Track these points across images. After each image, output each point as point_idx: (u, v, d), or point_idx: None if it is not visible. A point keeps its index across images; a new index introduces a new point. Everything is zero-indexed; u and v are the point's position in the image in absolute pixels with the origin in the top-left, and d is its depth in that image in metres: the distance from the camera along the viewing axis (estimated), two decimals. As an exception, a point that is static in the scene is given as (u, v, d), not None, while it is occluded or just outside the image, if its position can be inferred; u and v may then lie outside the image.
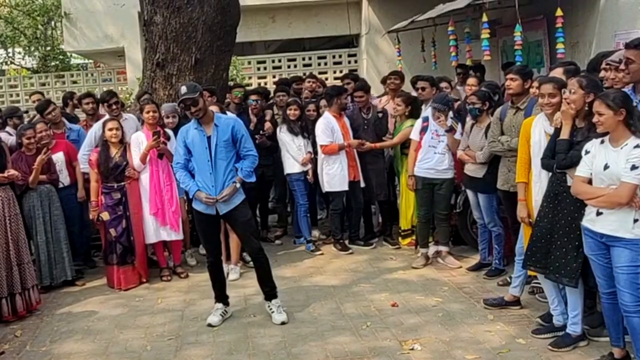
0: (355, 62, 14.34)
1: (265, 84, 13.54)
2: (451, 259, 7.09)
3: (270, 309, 5.76)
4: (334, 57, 14.49)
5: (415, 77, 7.89)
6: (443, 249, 7.13)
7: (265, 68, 14.50)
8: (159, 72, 8.74)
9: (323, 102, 8.12)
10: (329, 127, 7.58)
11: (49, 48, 18.22)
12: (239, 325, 5.70)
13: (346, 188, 7.73)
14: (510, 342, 5.01)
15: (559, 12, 7.99)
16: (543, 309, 5.49)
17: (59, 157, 7.16)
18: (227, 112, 7.41)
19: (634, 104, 4.38)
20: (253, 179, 5.83)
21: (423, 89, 7.52)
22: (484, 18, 8.35)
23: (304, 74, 11.36)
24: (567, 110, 4.61)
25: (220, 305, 5.83)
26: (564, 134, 4.63)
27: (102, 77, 15.52)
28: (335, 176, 7.66)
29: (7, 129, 7.64)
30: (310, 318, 5.76)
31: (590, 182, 4.34)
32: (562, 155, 4.59)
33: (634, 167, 4.02)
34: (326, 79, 13.03)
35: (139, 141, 7.00)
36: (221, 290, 5.89)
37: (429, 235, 7.27)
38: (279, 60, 14.52)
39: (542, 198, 4.90)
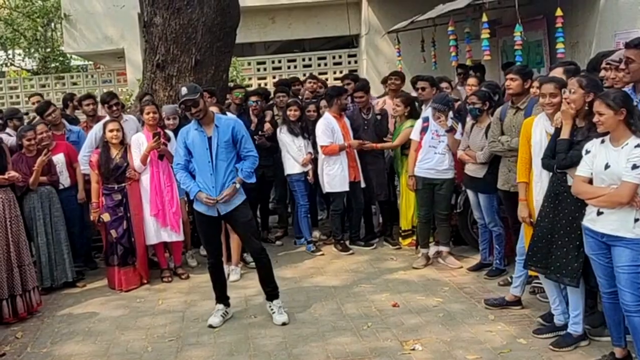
0: (355, 62, 14.34)
1: (265, 84, 13.55)
2: (452, 259, 7.09)
3: (272, 309, 5.76)
4: (334, 57, 14.49)
5: (415, 77, 7.88)
6: (444, 249, 7.13)
7: (265, 69, 14.50)
8: (159, 74, 8.75)
9: (323, 103, 8.13)
10: (329, 127, 7.59)
11: (48, 50, 18.21)
12: (239, 326, 5.69)
13: (347, 188, 7.74)
14: (512, 342, 5.01)
15: (558, 12, 7.99)
16: (544, 308, 5.49)
17: (59, 159, 7.16)
18: (228, 112, 7.41)
19: (635, 103, 4.37)
20: (253, 180, 5.83)
21: (423, 89, 7.52)
22: (484, 18, 8.35)
23: (304, 75, 11.37)
24: (567, 110, 4.61)
25: (221, 306, 5.83)
26: (564, 134, 4.63)
27: (102, 78, 15.50)
28: (335, 177, 7.66)
29: (7, 130, 7.66)
30: (311, 319, 5.76)
31: (590, 181, 4.34)
32: (562, 155, 4.59)
33: (634, 167, 4.01)
34: (326, 79, 13.01)
35: (140, 142, 7.00)
36: (222, 292, 5.89)
37: (430, 235, 7.27)
38: (279, 61, 14.51)
39: (543, 198, 4.90)
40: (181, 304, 6.38)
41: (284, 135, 7.85)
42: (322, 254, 7.81)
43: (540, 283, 5.76)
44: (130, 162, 6.93)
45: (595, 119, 4.24)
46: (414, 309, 5.83)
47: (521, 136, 5.36)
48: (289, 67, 14.36)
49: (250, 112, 8.36)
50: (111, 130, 6.88)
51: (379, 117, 7.94)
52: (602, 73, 5.05)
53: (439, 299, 6.07)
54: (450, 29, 9.56)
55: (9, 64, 20.14)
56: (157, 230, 7.03)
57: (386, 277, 6.82)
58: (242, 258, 7.27)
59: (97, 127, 7.38)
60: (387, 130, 7.95)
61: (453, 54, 9.67)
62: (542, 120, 5.11)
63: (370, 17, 13.57)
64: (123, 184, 6.91)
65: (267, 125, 8.19)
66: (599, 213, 4.26)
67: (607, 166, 4.18)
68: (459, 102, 7.68)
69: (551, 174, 4.79)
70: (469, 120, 6.67)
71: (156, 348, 5.33)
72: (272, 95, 9.34)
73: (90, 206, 7.10)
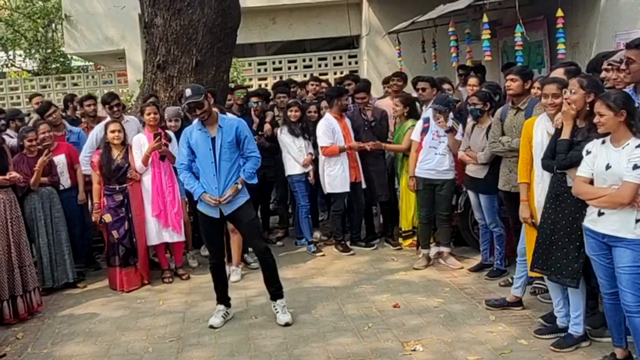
0: (356, 63, 14.34)
1: (266, 85, 13.54)
2: (452, 259, 7.09)
3: (275, 309, 5.75)
4: (334, 58, 14.49)
5: (416, 78, 7.89)
6: (444, 249, 7.13)
7: (265, 69, 14.50)
8: (159, 74, 8.75)
9: (324, 104, 8.13)
10: (329, 128, 7.59)
11: (49, 50, 18.22)
12: (240, 326, 5.69)
13: (347, 189, 7.74)
14: (512, 342, 5.01)
15: (559, 13, 7.99)
16: (545, 309, 5.49)
17: (60, 160, 7.17)
18: (229, 113, 7.41)
19: (636, 104, 4.37)
20: (255, 181, 5.83)
21: (423, 89, 7.52)
22: (485, 19, 8.34)
23: (305, 76, 11.37)
24: (567, 110, 4.60)
25: (221, 306, 5.83)
26: (565, 134, 4.63)
27: (102, 79, 15.52)
28: (336, 177, 7.67)
29: (8, 131, 7.65)
30: (311, 319, 5.76)
31: (591, 182, 4.33)
32: (562, 156, 4.59)
33: (635, 167, 4.01)
34: (327, 80, 13.01)
35: (141, 143, 7.01)
36: (223, 292, 5.89)
37: (431, 236, 7.26)
38: (280, 62, 14.52)
39: (544, 199, 4.89)
40: (182, 304, 6.38)
41: (284, 136, 7.85)
42: (323, 255, 7.81)
43: (540, 284, 5.78)
44: (132, 163, 6.93)
45: (595, 120, 4.24)
46: (414, 310, 5.83)
47: (522, 137, 5.36)
48: (289, 68, 14.37)
49: (252, 113, 8.36)
50: (113, 131, 6.88)
51: (373, 122, 7.90)
52: (603, 74, 5.05)
53: (439, 299, 6.07)
54: (450, 29, 9.55)
55: (9, 65, 20.14)
56: (158, 231, 7.04)
57: (387, 277, 6.82)
58: (242, 259, 7.28)
59: (98, 128, 7.39)
60: (387, 131, 7.95)
61: (453, 54, 9.67)
62: (543, 120, 5.10)
63: (371, 17, 13.57)
64: (124, 185, 6.92)
65: (266, 126, 8.19)
66: (600, 214, 4.26)
67: (608, 166, 4.18)
68: (459, 103, 7.68)
69: (552, 174, 4.79)
70: (470, 121, 6.68)
71: (157, 349, 5.33)
72: (271, 96, 9.33)
73: (92, 207, 7.10)
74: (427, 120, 6.99)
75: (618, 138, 4.17)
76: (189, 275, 7.25)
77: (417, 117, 7.39)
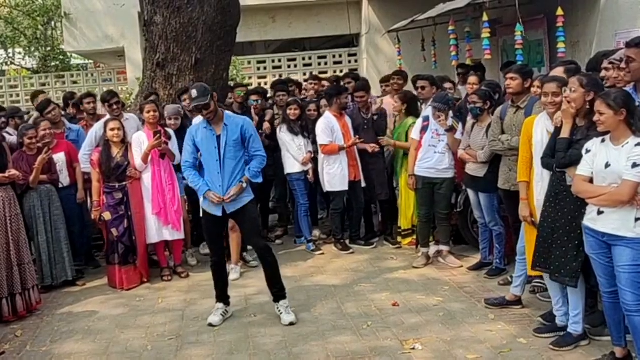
0: (356, 61, 14.33)
1: (266, 84, 13.54)
2: (452, 258, 7.08)
3: (279, 310, 5.73)
4: (334, 56, 14.49)
5: (416, 76, 7.88)
6: (444, 248, 7.13)
7: (265, 68, 14.50)
8: (159, 72, 8.75)
9: (324, 102, 8.12)
10: (329, 126, 7.59)
11: (49, 48, 18.23)
12: (239, 325, 5.69)
13: (346, 188, 7.74)
14: (512, 341, 5.01)
15: (559, 12, 7.99)
16: (544, 308, 5.49)
17: (60, 157, 7.16)
18: (227, 112, 7.39)
19: (637, 103, 4.36)
20: (260, 180, 5.83)
21: (423, 88, 7.52)
22: (485, 17, 8.34)
23: (305, 74, 11.37)
24: (567, 109, 4.60)
25: (221, 305, 5.83)
26: (564, 133, 4.62)
27: (102, 77, 15.52)
28: (335, 176, 7.66)
29: (8, 129, 7.65)
30: (311, 318, 5.75)
31: (591, 181, 4.33)
32: (562, 154, 4.58)
33: (635, 165, 4.01)
34: (328, 78, 13.01)
35: (141, 141, 7.00)
36: (223, 290, 5.88)
37: (430, 234, 7.26)
38: (279, 60, 14.52)
39: (544, 198, 4.89)
40: (181, 302, 6.38)
41: (284, 135, 7.85)
42: (322, 253, 7.81)
43: (540, 283, 5.78)
44: (131, 161, 6.92)
45: (595, 118, 4.24)
46: (414, 308, 5.83)
47: (522, 135, 5.35)
48: (289, 67, 14.37)
49: (252, 111, 8.36)
50: (112, 129, 6.88)
51: (375, 117, 7.92)
52: (603, 73, 5.04)
53: (439, 298, 6.07)
54: (450, 28, 9.55)
55: (9, 63, 20.15)
56: (158, 229, 7.03)
57: (386, 276, 6.82)
58: (241, 257, 7.28)
59: (97, 126, 7.38)
60: (385, 130, 7.95)
61: (453, 53, 9.66)
62: (543, 119, 5.10)
63: (371, 16, 13.56)
64: (124, 183, 6.91)
65: (265, 125, 8.19)
66: (600, 212, 4.26)
67: (607, 165, 4.18)
68: (460, 101, 7.68)
69: (551, 173, 4.79)
70: (470, 120, 6.67)
71: (156, 347, 5.32)
72: (269, 94, 9.33)
73: (92, 204, 7.09)
74: (426, 119, 6.99)
75: (618, 137, 4.17)
76: (188, 273, 7.25)
77: (418, 115, 7.39)
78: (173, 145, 7.14)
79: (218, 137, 5.55)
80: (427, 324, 5.44)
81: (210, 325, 5.65)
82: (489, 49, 8.39)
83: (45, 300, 6.56)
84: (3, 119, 7.74)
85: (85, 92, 9.47)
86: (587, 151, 4.36)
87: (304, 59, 14.49)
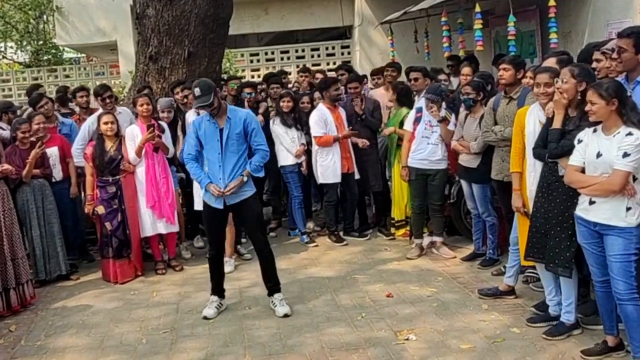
0: (349, 53, 14.33)
1: (259, 76, 13.53)
2: (445, 249, 7.10)
3: (273, 303, 5.75)
4: (327, 49, 14.48)
5: (409, 68, 7.89)
6: (437, 239, 7.14)
7: (258, 60, 14.48)
8: (151, 66, 8.73)
9: (317, 94, 8.12)
10: (322, 118, 7.59)
11: (41, 42, 18.18)
12: (234, 317, 5.70)
13: (339, 180, 7.74)
14: (505, 331, 5.03)
15: (551, 2, 8.00)
16: (537, 298, 5.52)
17: (53, 152, 7.13)
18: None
19: (628, 93, 4.38)
20: (262, 174, 5.84)
21: (416, 79, 7.53)
22: (477, 8, 8.35)
23: (298, 67, 11.36)
24: (559, 99, 4.61)
25: (215, 297, 5.83)
26: (556, 124, 4.63)
27: (94, 70, 15.48)
28: (328, 168, 7.67)
29: (1, 123, 7.61)
30: (305, 309, 5.77)
31: (583, 170, 4.35)
32: (554, 145, 4.59)
33: (625, 155, 4.03)
34: (322, 70, 13.01)
35: (134, 134, 6.98)
36: (219, 284, 5.87)
37: (423, 226, 7.27)
38: (272, 53, 14.50)
39: (536, 189, 4.91)
40: (175, 295, 6.38)
41: (277, 127, 7.84)
42: (316, 245, 7.81)
43: (533, 273, 5.80)
44: (125, 155, 6.91)
45: (587, 108, 4.25)
46: (407, 299, 5.85)
47: (515, 126, 5.36)
48: (282, 59, 14.36)
49: (246, 104, 8.35)
50: (106, 123, 6.85)
51: (363, 116, 7.89)
52: (594, 64, 5.05)
53: (432, 289, 6.09)
54: (443, 19, 9.56)
55: (1, 57, 20.06)
56: (153, 222, 7.02)
57: (380, 267, 6.83)
58: (236, 250, 7.28)
59: (90, 120, 7.36)
60: (380, 122, 7.95)
61: (446, 44, 9.67)
62: (535, 110, 5.11)
63: (363, 8, 13.56)
64: (117, 177, 6.90)
65: (259, 117, 8.17)
66: (591, 202, 4.28)
67: (598, 155, 4.19)
68: (453, 93, 7.69)
69: (543, 164, 4.80)
70: (463, 111, 6.68)
71: (150, 340, 5.33)
72: (262, 86, 9.32)
73: (85, 198, 7.09)
74: (419, 110, 6.99)
75: (609, 126, 4.18)
76: (182, 266, 7.24)
77: (412, 106, 7.41)
78: (166, 138, 7.13)
79: (221, 130, 5.54)
80: (421, 315, 5.46)
81: (205, 318, 5.66)
82: (482, 40, 8.40)
83: (39, 294, 6.55)
84: (-2, 113, 7.72)
85: (78, 86, 9.45)
86: (579, 141, 4.37)
87: (297, 51, 14.48)
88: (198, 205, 7.20)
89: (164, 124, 7.21)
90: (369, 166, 7.95)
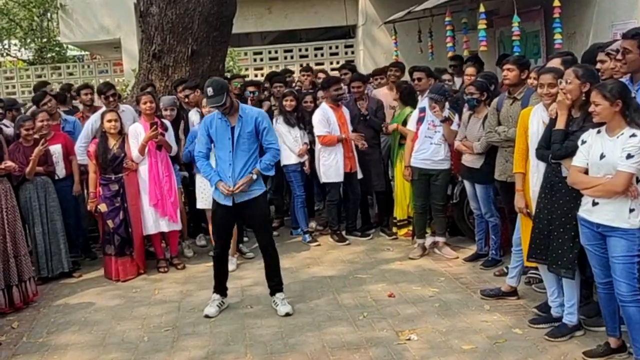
0: (352, 53, 14.30)
1: (262, 75, 13.52)
2: (448, 249, 7.09)
3: (275, 302, 5.75)
4: (330, 48, 14.45)
5: (412, 67, 7.89)
6: (440, 239, 7.14)
7: (261, 59, 14.46)
8: (155, 64, 8.73)
9: (321, 93, 8.12)
10: (325, 117, 7.59)
11: (45, 40, 18.18)
12: (235, 316, 5.70)
13: (341, 179, 7.74)
14: (507, 332, 5.03)
15: (556, 3, 7.98)
16: (539, 299, 5.51)
17: (56, 149, 7.14)
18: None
19: (632, 94, 4.37)
20: (272, 173, 5.85)
21: (419, 79, 7.52)
22: (481, 8, 8.33)
23: (301, 66, 11.36)
24: (563, 100, 4.60)
25: (217, 296, 5.83)
26: (560, 124, 4.63)
27: (98, 68, 15.48)
28: (330, 167, 7.67)
29: (5, 121, 7.62)
30: (307, 309, 5.76)
31: (586, 172, 4.34)
32: (557, 146, 4.58)
33: (629, 156, 4.02)
34: (324, 70, 13.00)
35: (137, 132, 6.98)
36: (221, 283, 5.87)
37: (426, 226, 7.27)
38: (276, 52, 14.48)
39: (539, 189, 4.90)
40: (177, 294, 6.38)
41: (280, 126, 7.83)
42: (319, 245, 7.81)
43: (535, 274, 5.78)
44: (128, 153, 6.91)
45: (591, 109, 4.24)
46: (409, 299, 5.84)
47: (518, 127, 5.36)
48: (285, 58, 14.33)
49: (249, 103, 8.34)
50: (109, 121, 6.86)
51: (367, 116, 7.88)
52: (598, 65, 5.04)
53: (434, 289, 6.08)
54: (447, 19, 9.55)
55: (5, 54, 20.08)
56: (155, 220, 7.02)
57: (382, 267, 6.83)
58: (238, 249, 7.27)
59: (94, 118, 7.36)
60: (382, 121, 7.95)
61: (450, 44, 9.66)
62: (539, 110, 5.10)
63: (367, 7, 13.54)
64: (120, 175, 6.90)
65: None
66: (595, 203, 4.27)
67: (602, 156, 4.18)
68: (457, 93, 7.68)
69: (547, 164, 4.79)
70: (466, 111, 6.67)
71: (152, 338, 5.33)
72: (265, 85, 9.33)
73: (88, 196, 7.09)
74: (422, 110, 6.99)
75: (613, 128, 4.17)
76: (185, 264, 7.24)
77: (413, 104, 7.41)
78: (169, 136, 7.13)
79: (232, 129, 5.54)
80: (423, 315, 5.46)
81: (207, 316, 5.66)
82: (486, 40, 8.39)
83: (41, 291, 6.56)
84: (0, 111, 7.72)
85: (82, 84, 9.46)
86: (583, 142, 4.36)
87: (300, 50, 14.45)
88: (200, 204, 7.22)
89: (167, 122, 7.21)
90: (371, 166, 7.95)
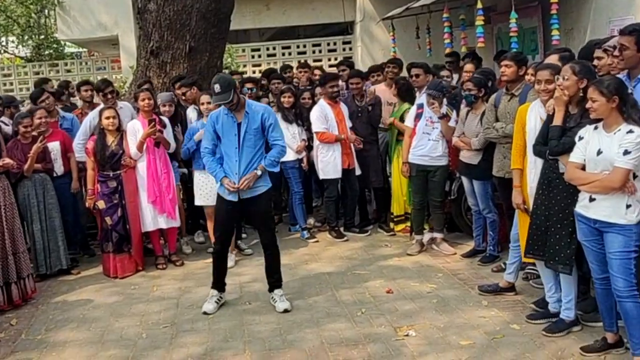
0: (350, 49, 14.30)
1: (260, 72, 13.51)
2: (446, 245, 7.11)
3: (273, 298, 5.76)
4: (328, 44, 14.44)
5: (410, 64, 7.89)
6: (438, 235, 7.15)
7: (259, 56, 14.46)
8: (153, 60, 8.73)
9: (319, 90, 8.12)
10: (322, 114, 7.59)
11: (42, 37, 18.13)
12: (234, 312, 5.71)
13: (339, 175, 7.75)
14: (505, 327, 5.04)
15: (553, -1, 7.98)
16: (537, 294, 5.52)
17: (54, 146, 7.14)
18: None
19: (629, 90, 4.38)
20: (277, 169, 5.85)
21: (417, 75, 7.52)
22: (479, 5, 8.34)
23: (299, 62, 11.37)
24: (560, 96, 4.61)
25: (215, 292, 5.83)
26: (557, 121, 4.63)
27: (96, 65, 15.45)
28: (329, 163, 7.68)
29: (3, 118, 7.62)
30: (305, 305, 5.77)
31: (583, 168, 4.35)
32: (554, 142, 4.59)
33: (626, 152, 4.03)
34: (321, 66, 12.99)
35: (135, 129, 6.97)
36: (220, 279, 5.88)
37: (424, 222, 7.27)
38: (274, 48, 14.47)
39: (536, 185, 4.91)
40: (175, 290, 6.39)
41: (278, 122, 7.83)
42: (317, 241, 7.82)
43: (533, 269, 5.80)
44: (126, 150, 6.91)
45: (588, 105, 4.25)
46: (408, 295, 5.85)
47: (516, 123, 5.37)
48: (283, 54, 14.33)
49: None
50: (107, 118, 6.85)
51: (370, 107, 7.92)
52: (596, 62, 5.05)
53: (432, 285, 6.10)
54: (444, 15, 9.55)
55: (2, 52, 20.04)
56: (154, 217, 7.01)
57: (380, 263, 6.84)
58: (236, 245, 7.28)
59: (92, 115, 7.35)
60: (379, 118, 7.95)
61: (447, 41, 9.66)
62: (536, 106, 5.11)
63: (365, 3, 13.53)
64: (118, 172, 6.89)
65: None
66: (592, 199, 4.28)
67: (599, 152, 4.19)
68: (455, 89, 7.69)
69: (544, 160, 4.80)
70: (464, 107, 6.68)
71: (151, 334, 5.34)
72: (262, 81, 9.33)
73: (86, 192, 7.09)
74: (420, 106, 6.99)
75: (610, 124, 4.18)
76: (183, 261, 7.25)
77: (410, 100, 7.42)
78: (168, 133, 7.13)
79: (239, 125, 5.54)
80: (421, 311, 5.47)
81: (205, 313, 5.66)
82: (483, 36, 8.39)
83: (40, 289, 6.56)
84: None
85: (82, 80, 9.45)
86: (580, 138, 4.37)
87: (298, 47, 14.44)
88: (198, 201, 7.22)
89: (166, 119, 7.21)
90: (369, 162, 7.95)
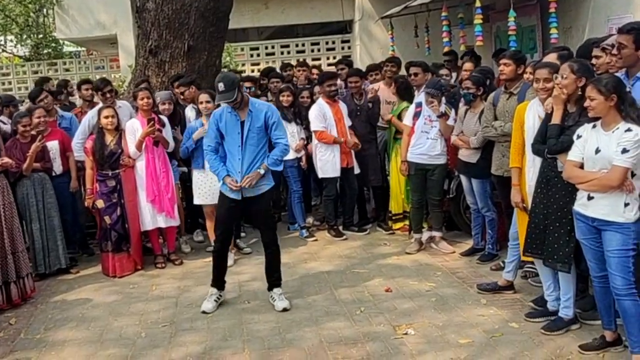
0: (349, 48, 14.31)
1: (259, 70, 13.51)
2: (444, 244, 7.11)
3: (272, 297, 5.76)
4: (327, 43, 14.46)
5: (409, 63, 7.89)
6: (436, 234, 7.15)
7: (258, 55, 14.46)
8: (151, 59, 8.72)
9: (317, 89, 8.13)
10: (321, 113, 7.59)
11: (41, 36, 18.13)
12: (233, 311, 5.71)
13: (338, 174, 7.75)
14: (504, 326, 5.05)
15: (552, -3, 7.99)
16: (536, 293, 5.53)
17: (53, 145, 7.13)
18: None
19: (627, 89, 4.38)
20: (280, 168, 5.83)
21: (416, 74, 7.51)
22: (477, 3, 8.34)
23: (298, 61, 11.37)
24: (558, 95, 4.61)
25: (214, 290, 5.82)
26: (555, 119, 4.64)
27: (94, 64, 15.45)
28: (327, 162, 7.68)
29: (2, 117, 7.62)
30: (304, 304, 5.78)
31: (582, 166, 4.35)
32: (553, 140, 4.60)
33: (624, 151, 4.03)
34: (319, 65, 13.00)
35: (134, 128, 6.97)
36: (220, 277, 5.87)
37: (423, 220, 7.28)
38: (272, 47, 14.48)
39: (535, 184, 4.92)
40: (174, 289, 6.39)
41: (277, 121, 7.83)
42: (316, 240, 7.82)
43: (532, 268, 5.81)
44: (125, 149, 6.90)
45: (586, 104, 4.25)
46: (406, 294, 5.86)
47: (514, 121, 5.37)
48: (282, 53, 14.34)
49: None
50: (106, 117, 6.85)
51: (370, 104, 7.93)
52: (594, 60, 5.06)
53: (431, 283, 6.10)
54: (443, 14, 9.55)
55: (0, 51, 20.02)
56: (153, 216, 7.01)
57: (379, 262, 6.84)
58: (235, 244, 7.28)
59: (90, 114, 7.35)
60: (378, 116, 7.96)
61: (446, 39, 9.66)
62: (535, 105, 5.12)
63: (364, 2, 13.54)
64: (117, 171, 6.89)
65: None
66: (590, 198, 4.28)
67: (597, 150, 4.20)
68: (454, 88, 7.69)
69: (542, 159, 4.80)
70: (463, 106, 6.68)
71: (150, 334, 5.34)
72: (261, 81, 9.33)
73: (85, 192, 7.09)
74: (419, 105, 6.99)
75: (608, 122, 4.19)
76: (182, 260, 7.25)
77: (409, 99, 7.42)
78: (167, 132, 7.13)
79: (242, 123, 5.54)
80: (420, 309, 5.48)
81: (204, 312, 5.66)
82: (482, 35, 8.39)
83: (39, 288, 6.56)
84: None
85: (83, 79, 9.45)
86: (578, 137, 4.37)
87: (297, 45, 14.45)
88: (198, 200, 7.22)
89: (165, 118, 7.21)
90: (368, 160, 7.96)
